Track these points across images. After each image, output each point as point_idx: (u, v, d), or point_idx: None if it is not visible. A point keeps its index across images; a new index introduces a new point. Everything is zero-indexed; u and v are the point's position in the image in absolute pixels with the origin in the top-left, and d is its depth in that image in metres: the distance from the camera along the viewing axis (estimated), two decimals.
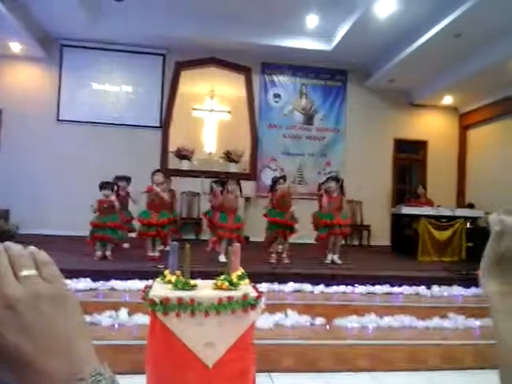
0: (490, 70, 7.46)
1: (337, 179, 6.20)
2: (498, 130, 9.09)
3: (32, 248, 0.48)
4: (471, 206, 8.76)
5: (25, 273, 0.43)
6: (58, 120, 8.69)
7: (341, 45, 8.08)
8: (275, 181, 6.08)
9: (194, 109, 9.02)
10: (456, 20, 6.30)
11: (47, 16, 7.54)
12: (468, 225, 7.42)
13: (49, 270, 0.46)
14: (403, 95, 9.85)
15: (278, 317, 3.75)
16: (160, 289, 2.37)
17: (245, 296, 2.27)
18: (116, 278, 4.37)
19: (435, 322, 4.04)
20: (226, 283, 2.37)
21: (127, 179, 6.83)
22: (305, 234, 6.51)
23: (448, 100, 9.61)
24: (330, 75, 9.62)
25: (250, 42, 8.33)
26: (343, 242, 6.27)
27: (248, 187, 8.59)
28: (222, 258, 5.33)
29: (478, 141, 9.78)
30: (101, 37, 8.42)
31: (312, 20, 7.74)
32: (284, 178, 6.14)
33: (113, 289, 4.24)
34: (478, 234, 7.24)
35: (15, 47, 8.08)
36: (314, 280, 4.66)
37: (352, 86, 9.70)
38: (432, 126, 10.13)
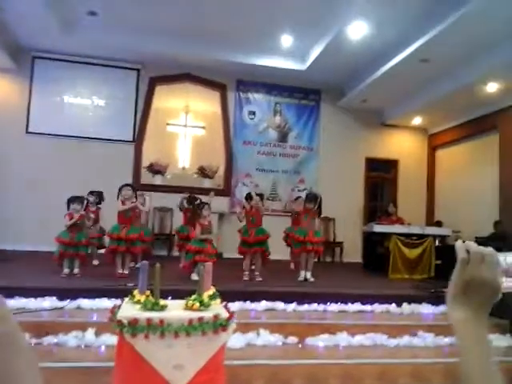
0: (457, 92, 7.76)
1: (315, 198, 6.20)
2: (465, 151, 9.42)
3: None
4: (439, 223, 8.98)
5: None
6: (28, 132, 8.47)
7: (314, 65, 8.26)
8: (246, 197, 6.11)
9: (169, 124, 8.97)
10: (423, 46, 6.57)
11: (19, 27, 7.42)
12: (437, 242, 7.60)
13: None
14: (375, 115, 10.10)
15: (250, 336, 3.71)
16: (129, 309, 2.31)
17: (216, 317, 2.23)
18: (83, 297, 4.23)
19: (405, 340, 4.07)
20: (197, 303, 2.32)
21: (99, 194, 6.70)
22: (278, 250, 6.51)
23: (418, 121, 9.91)
24: (303, 94, 9.79)
25: (226, 60, 8.41)
26: (316, 259, 6.27)
27: (222, 203, 8.57)
28: (195, 276, 5.25)
29: (446, 161, 10.10)
30: (74, 50, 8.33)
31: (286, 40, 7.89)
32: (250, 195, 6.12)
33: (80, 308, 4.09)
34: (447, 252, 7.42)
35: None
36: (287, 298, 4.64)
37: (325, 105, 9.89)
38: (402, 145, 10.41)
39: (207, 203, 5.77)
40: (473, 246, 0.74)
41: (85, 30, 7.73)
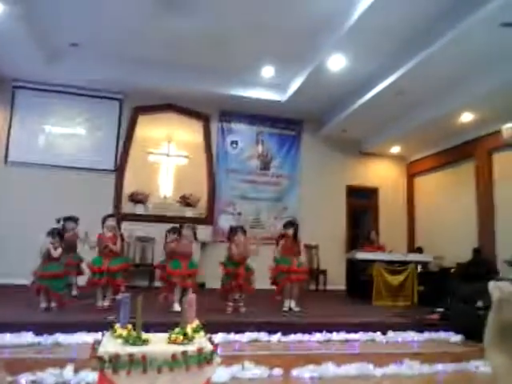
0: (433, 122, 8.03)
1: (292, 224, 6.23)
2: (442, 178, 9.65)
3: None
4: (420, 249, 9.08)
5: None
6: (7, 162, 8.35)
7: (295, 96, 8.45)
8: (232, 231, 5.98)
9: (151, 153, 8.96)
10: (398, 79, 6.83)
11: (0, 56, 7.41)
12: (419, 269, 7.66)
13: None
14: (355, 144, 10.32)
15: (235, 369, 3.61)
16: (110, 344, 2.24)
17: (200, 350, 2.18)
18: (61, 332, 4.09)
19: (392, 368, 4.03)
20: (181, 337, 2.27)
21: (75, 220, 6.57)
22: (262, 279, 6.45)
23: (396, 149, 10.15)
24: (285, 124, 9.97)
25: (209, 91, 8.54)
26: (299, 287, 6.21)
27: (205, 232, 8.50)
28: (176, 307, 5.14)
29: (424, 188, 10.31)
30: (56, 79, 8.34)
31: (268, 71, 8.08)
32: (240, 228, 6.05)
33: (58, 343, 3.95)
34: (429, 278, 7.49)
35: None
36: (272, 328, 4.58)
37: (306, 134, 10.08)
38: (382, 173, 10.61)
39: (190, 224, 5.73)
40: (506, 286, 0.74)
41: (67, 60, 7.78)
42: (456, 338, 5.06)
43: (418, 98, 7.64)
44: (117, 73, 8.08)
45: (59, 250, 5.33)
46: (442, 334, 5.12)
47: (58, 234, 5.45)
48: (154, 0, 6.04)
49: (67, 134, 8.81)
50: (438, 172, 9.77)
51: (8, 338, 3.86)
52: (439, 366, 4.15)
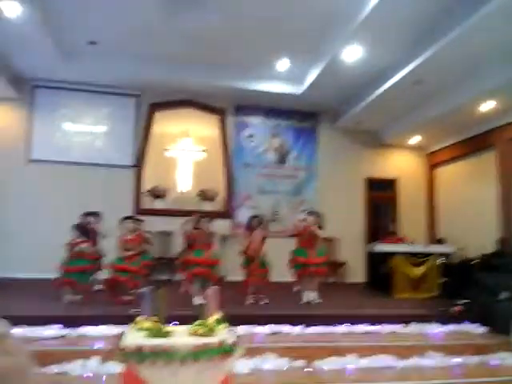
0: (453, 112, 7.85)
1: (315, 213, 6.21)
2: (463, 168, 9.45)
3: None
4: (442, 241, 8.94)
5: None
6: (30, 160, 8.52)
7: (311, 88, 8.37)
8: (250, 223, 6.03)
9: (168, 149, 9.03)
10: (416, 68, 6.68)
11: (20, 57, 7.54)
12: (441, 260, 7.54)
13: (7, 343, 0.43)
14: (372, 135, 10.19)
15: (257, 361, 3.64)
16: (133, 337, 2.27)
17: (221, 342, 2.20)
18: (87, 324, 4.18)
19: (414, 361, 4.00)
20: (203, 329, 2.29)
21: (96, 215, 6.69)
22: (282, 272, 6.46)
23: (415, 140, 9.98)
24: (301, 116, 9.90)
25: (225, 86, 8.53)
26: (320, 279, 6.19)
27: (223, 226, 8.54)
28: (197, 301, 5.19)
29: (445, 178, 10.12)
30: (74, 78, 8.45)
31: (283, 64, 8.02)
32: (256, 217, 6.08)
33: (83, 335, 4.04)
34: (451, 269, 7.36)
35: None
36: (293, 320, 4.58)
37: (323, 127, 9.99)
38: (401, 164, 10.46)
39: (205, 217, 5.78)
40: None
41: (85, 58, 7.86)
42: (480, 330, 4.98)
43: (436, 87, 7.49)
44: (133, 69, 8.14)
45: (87, 245, 5.46)
46: (465, 326, 5.04)
47: (81, 228, 5.56)
48: None
49: (86, 131, 8.94)
50: (458, 162, 9.58)
51: (36, 330, 3.95)
52: (463, 359, 4.10)
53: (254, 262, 5.70)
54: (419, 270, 7.17)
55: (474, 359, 4.14)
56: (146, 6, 6.28)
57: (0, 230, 7.99)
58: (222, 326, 2.46)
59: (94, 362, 3.40)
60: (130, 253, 5.51)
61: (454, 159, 9.67)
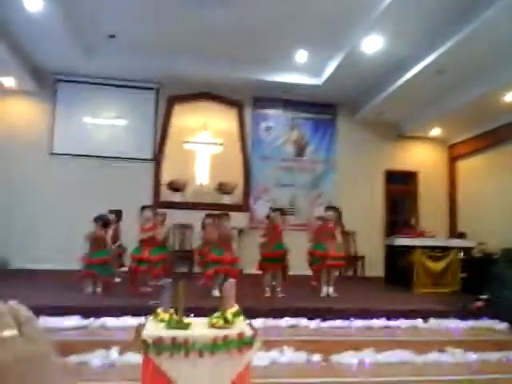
0: (475, 103, 7.67)
1: (335, 208, 6.17)
2: (486, 161, 9.24)
3: (12, 303, 0.47)
4: (463, 235, 8.78)
5: (6, 333, 0.42)
6: (52, 153, 8.69)
7: (330, 79, 8.28)
8: (269, 216, 6.04)
9: (187, 142, 9.07)
10: (439, 57, 6.54)
11: (41, 51, 7.67)
12: (462, 255, 7.42)
13: (30, 328, 0.44)
14: (392, 127, 10.04)
15: (274, 354, 3.66)
16: (153, 328, 2.31)
17: (240, 335, 2.21)
18: (107, 315, 4.26)
19: (434, 356, 3.96)
20: (221, 321, 2.31)
21: (118, 213, 6.78)
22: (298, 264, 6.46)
23: (436, 132, 9.80)
24: (319, 109, 9.81)
25: (242, 78, 8.51)
26: (337, 273, 6.18)
27: (241, 219, 8.57)
28: (216, 293, 5.23)
29: (467, 171, 9.92)
30: (95, 72, 8.55)
31: (302, 56, 7.95)
32: (274, 209, 6.09)
33: (104, 326, 4.12)
34: (472, 264, 7.24)
35: (9, 82, 8.16)
36: (310, 314, 4.58)
37: (342, 118, 9.89)
38: (422, 157, 10.29)
39: (227, 214, 5.80)
40: None
41: (105, 52, 7.95)
42: (501, 326, 4.89)
43: (459, 77, 7.32)
44: (153, 63, 8.19)
45: (109, 235, 5.56)
46: (486, 322, 4.96)
47: (102, 219, 5.65)
48: None
49: (106, 124, 9.05)
50: (480, 155, 9.36)
51: (57, 320, 4.04)
52: (483, 355, 4.04)
53: (273, 246, 5.72)
54: (439, 265, 7.07)
55: (495, 355, 4.08)
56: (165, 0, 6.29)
57: (23, 221, 8.20)
58: (240, 318, 2.48)
59: (114, 353, 3.47)
60: (147, 235, 5.54)
61: (475, 152, 9.45)
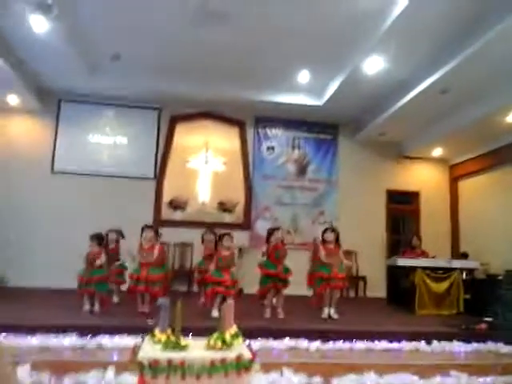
0: (477, 123, 7.69)
1: (333, 229, 6.13)
2: (488, 181, 9.22)
3: None
4: (465, 255, 8.71)
5: None
6: (53, 171, 8.71)
7: (331, 100, 8.35)
8: (270, 232, 5.98)
9: (189, 160, 9.11)
10: (442, 77, 6.57)
11: (46, 70, 7.78)
12: (464, 276, 7.33)
13: None
14: (394, 147, 10.07)
15: (273, 376, 3.57)
16: (149, 349, 2.26)
17: (239, 358, 2.17)
18: (104, 334, 4.19)
19: (438, 380, 3.86)
20: (219, 343, 2.26)
21: (118, 232, 6.75)
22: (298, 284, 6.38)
23: (438, 152, 9.81)
24: (321, 128, 9.86)
25: (244, 98, 8.59)
26: (339, 294, 6.08)
27: (242, 237, 8.53)
28: (215, 313, 5.16)
29: (469, 192, 9.89)
30: (98, 91, 8.64)
31: (304, 76, 8.02)
32: (278, 229, 6.05)
33: (100, 346, 4.04)
34: (476, 285, 7.15)
35: (12, 100, 8.24)
36: (311, 335, 4.50)
37: (343, 138, 9.93)
38: (423, 177, 10.28)
39: (229, 233, 5.75)
40: None
41: (108, 72, 8.04)
42: (506, 349, 4.78)
43: (461, 98, 7.35)
44: (155, 83, 8.27)
45: (103, 259, 5.51)
46: (490, 345, 4.85)
47: (98, 238, 5.62)
48: (190, 13, 6.13)
49: (109, 143, 9.09)
50: (483, 175, 9.34)
51: (53, 339, 3.98)
52: (488, 379, 3.95)
53: (278, 267, 5.64)
54: (442, 286, 6.98)
55: (501, 380, 3.98)
56: (167, 21, 6.38)
57: (24, 239, 8.17)
58: (239, 340, 2.43)
59: (109, 374, 3.39)
60: (145, 258, 5.49)
61: (478, 172, 9.44)
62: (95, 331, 4.23)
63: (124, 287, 6.48)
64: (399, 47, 6.35)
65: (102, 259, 5.51)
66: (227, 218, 8.91)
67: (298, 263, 6.20)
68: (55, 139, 8.83)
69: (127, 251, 5.77)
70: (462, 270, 7.29)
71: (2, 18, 6.08)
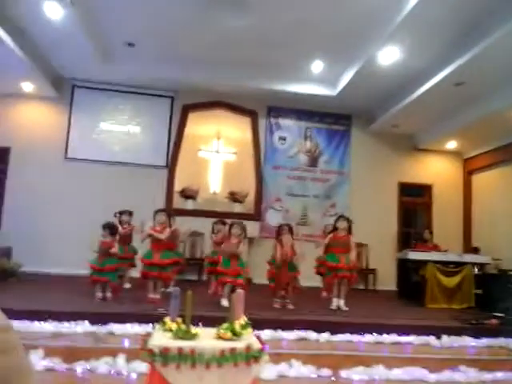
0: (493, 116, 7.55)
1: (346, 218, 6.08)
2: (503, 175, 9.07)
3: None
4: (476, 249, 8.62)
5: None
6: (66, 158, 8.78)
7: (345, 90, 8.25)
8: (279, 229, 5.94)
9: (200, 150, 9.11)
10: (458, 69, 6.44)
11: (60, 57, 7.80)
12: (476, 270, 7.27)
13: (3, 339, 0.40)
14: (407, 139, 9.95)
15: (282, 367, 3.59)
16: (160, 337, 2.28)
17: (248, 348, 2.17)
18: (115, 321, 4.24)
19: (447, 375, 3.85)
20: (229, 333, 2.27)
21: (130, 213, 6.81)
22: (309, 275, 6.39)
23: (452, 145, 9.68)
24: (334, 119, 9.77)
25: (257, 87, 8.54)
26: (348, 286, 6.06)
27: (252, 227, 8.53)
28: (224, 303, 5.19)
29: (483, 186, 9.75)
30: (111, 79, 8.66)
31: (317, 66, 7.94)
32: (288, 226, 5.99)
33: (111, 333, 4.10)
34: (487, 280, 7.08)
35: (27, 87, 8.30)
36: (320, 327, 4.50)
37: (356, 130, 9.83)
38: (437, 170, 10.16)
39: (241, 222, 5.74)
40: None
41: (122, 60, 8.05)
42: None
43: (477, 89, 7.20)
44: (169, 71, 8.26)
45: (115, 248, 5.56)
46: (501, 341, 4.81)
47: (111, 227, 5.66)
48: (207, 0, 6.10)
49: (122, 131, 9.13)
50: (497, 168, 9.19)
51: (65, 326, 4.04)
52: (498, 375, 3.93)
53: (284, 266, 5.63)
54: (453, 280, 6.93)
55: (510, 376, 3.95)
56: (181, 9, 6.35)
57: (38, 226, 8.28)
58: (248, 330, 2.44)
59: (120, 361, 3.44)
60: (156, 235, 5.49)
61: (492, 165, 9.29)
62: (106, 319, 4.28)
63: (134, 272, 6.58)
64: (415, 38, 6.24)
65: (115, 249, 5.56)
66: (238, 208, 8.92)
67: (307, 254, 6.20)
68: (69, 126, 8.89)
69: (140, 222, 5.75)
70: (473, 264, 7.22)
71: (16, 6, 6.09)
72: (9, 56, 6.79)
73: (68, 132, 8.86)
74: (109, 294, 5.43)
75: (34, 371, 0.41)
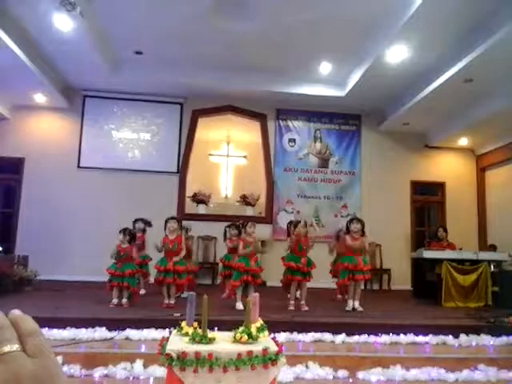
0: (504, 112, 7.47)
1: (359, 220, 6.07)
2: None
3: (16, 315, 0.43)
4: (493, 247, 8.51)
5: (6, 348, 0.38)
6: (79, 167, 8.90)
7: (354, 90, 8.24)
8: (294, 224, 5.96)
9: (211, 154, 9.16)
10: (467, 65, 6.39)
11: (70, 68, 7.93)
12: (492, 268, 7.17)
13: (34, 342, 0.40)
14: (418, 138, 9.88)
15: (299, 369, 3.59)
16: (177, 342, 2.30)
17: (265, 351, 2.18)
18: (131, 327, 4.28)
19: (465, 374, 3.81)
20: (245, 336, 2.28)
21: (145, 222, 6.84)
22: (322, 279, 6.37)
23: (464, 142, 9.59)
24: (344, 120, 9.75)
25: (265, 90, 8.57)
26: (363, 287, 6.04)
27: (264, 231, 8.54)
28: (239, 306, 5.20)
29: (496, 182, 9.64)
30: (121, 87, 8.77)
31: (325, 67, 7.94)
32: (300, 222, 6.01)
33: (128, 338, 4.13)
34: (505, 278, 6.98)
35: (39, 98, 8.45)
36: (335, 329, 4.48)
37: (366, 129, 9.79)
38: (449, 167, 10.06)
39: (251, 221, 5.76)
40: None
41: (131, 68, 8.15)
42: None
43: (488, 85, 7.14)
44: (177, 78, 8.33)
45: (135, 254, 5.62)
46: None
47: (128, 233, 5.70)
48: (213, 5, 6.13)
49: (133, 138, 9.23)
50: (510, 164, 9.08)
51: (83, 332, 4.09)
52: None
53: (301, 259, 5.62)
54: (469, 278, 6.84)
55: None
56: (189, 15, 6.41)
57: (52, 234, 8.39)
58: (264, 333, 2.44)
59: (138, 366, 3.48)
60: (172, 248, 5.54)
61: (505, 161, 9.18)
62: (123, 324, 4.31)
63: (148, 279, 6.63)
64: (422, 36, 6.21)
65: (134, 254, 5.62)
66: (249, 211, 8.93)
67: (320, 256, 6.20)
68: (81, 135, 9.02)
69: (154, 244, 5.81)
70: (489, 262, 7.12)
71: (27, 19, 6.21)
72: (21, 68, 6.93)
73: (80, 141, 8.99)
74: (124, 300, 5.47)
75: (64, 375, 0.43)
